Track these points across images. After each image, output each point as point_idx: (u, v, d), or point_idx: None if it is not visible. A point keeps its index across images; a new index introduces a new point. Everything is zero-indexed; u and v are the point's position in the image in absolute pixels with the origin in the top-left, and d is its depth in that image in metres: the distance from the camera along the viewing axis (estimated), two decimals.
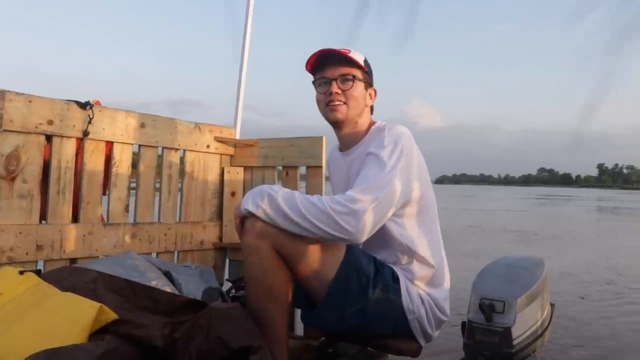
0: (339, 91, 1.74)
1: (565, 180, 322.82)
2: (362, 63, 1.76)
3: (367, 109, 1.83)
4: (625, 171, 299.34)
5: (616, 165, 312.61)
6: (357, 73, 1.75)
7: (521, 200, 33.56)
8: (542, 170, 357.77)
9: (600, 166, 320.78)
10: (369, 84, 1.81)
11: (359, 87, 1.76)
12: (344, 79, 1.74)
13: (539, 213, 19.26)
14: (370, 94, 1.83)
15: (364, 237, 1.52)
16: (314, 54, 1.75)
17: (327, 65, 1.75)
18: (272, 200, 1.52)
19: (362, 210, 1.48)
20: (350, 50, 1.75)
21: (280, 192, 1.54)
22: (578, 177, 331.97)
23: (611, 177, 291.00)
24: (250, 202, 1.55)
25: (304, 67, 1.82)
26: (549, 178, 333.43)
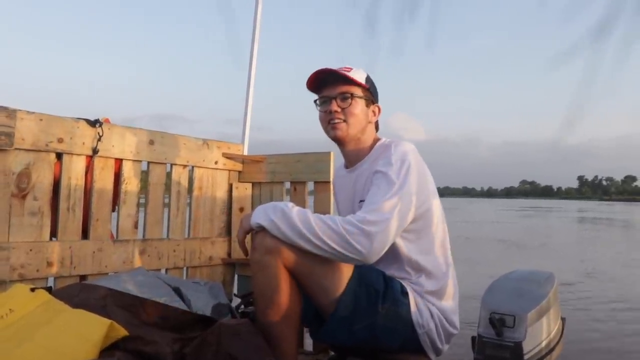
0: (339, 109, 1.76)
1: (547, 192, 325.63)
2: (361, 81, 1.77)
3: (370, 126, 1.84)
4: (604, 183, 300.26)
5: (596, 177, 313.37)
6: (357, 91, 1.77)
7: (506, 212, 34.40)
8: (524, 182, 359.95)
9: (580, 178, 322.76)
10: (371, 101, 1.82)
11: (359, 105, 1.77)
12: (343, 97, 1.76)
13: (527, 224, 20.16)
14: (373, 111, 1.84)
15: (375, 258, 1.52)
16: (314, 73, 1.77)
17: (327, 84, 1.78)
18: (285, 216, 1.52)
19: (375, 232, 1.49)
20: (351, 69, 1.77)
21: (294, 209, 1.54)
22: (559, 189, 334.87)
23: (591, 189, 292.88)
24: (263, 216, 1.55)
25: (305, 86, 1.82)
26: (530, 190, 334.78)
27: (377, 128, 1.88)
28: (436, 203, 1.75)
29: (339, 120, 1.76)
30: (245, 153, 2.94)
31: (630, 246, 11.88)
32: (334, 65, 1.78)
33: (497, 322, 1.57)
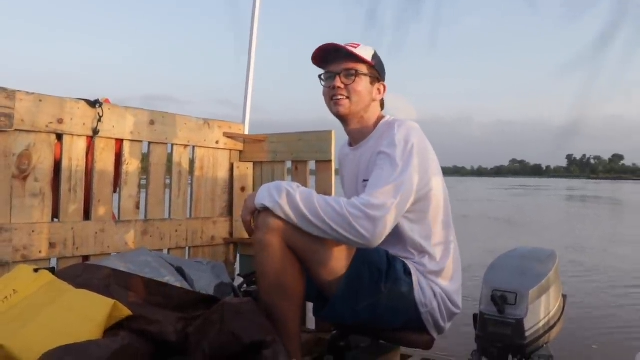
0: (342, 85, 1.74)
1: (536, 170, 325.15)
2: (368, 58, 1.75)
3: (375, 104, 1.82)
4: (592, 162, 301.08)
5: (584, 156, 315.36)
6: (362, 68, 1.75)
7: (497, 190, 35.28)
8: (513, 161, 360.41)
9: (569, 157, 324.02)
10: (376, 78, 1.80)
11: (362, 82, 1.75)
12: (348, 73, 1.74)
13: (518, 203, 21.06)
14: (378, 89, 1.82)
15: (378, 242, 1.52)
16: (319, 48, 1.75)
17: (332, 60, 1.76)
18: (290, 197, 1.51)
19: (379, 217, 1.48)
20: (358, 45, 1.75)
21: (298, 190, 1.53)
22: (548, 167, 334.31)
23: (579, 168, 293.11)
24: (267, 197, 1.54)
25: (310, 61, 1.81)
26: (520, 169, 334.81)
27: (382, 106, 1.86)
28: (439, 183, 1.74)
29: (341, 97, 1.75)
30: (247, 132, 2.93)
31: (617, 223, 13.18)
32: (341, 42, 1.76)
33: (499, 300, 1.58)
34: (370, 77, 1.77)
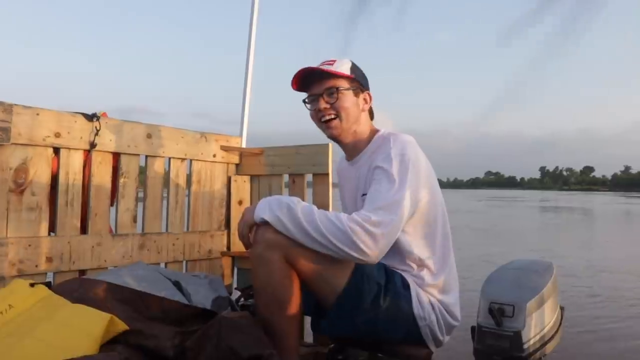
0: (327, 106, 1.74)
1: (511, 182, 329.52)
2: (346, 72, 1.75)
3: (364, 115, 1.82)
4: (564, 173, 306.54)
5: (557, 167, 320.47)
6: (342, 83, 1.75)
7: (476, 202, 36.04)
8: (489, 173, 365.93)
9: (542, 169, 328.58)
10: (359, 89, 1.80)
11: (347, 97, 1.75)
12: (330, 92, 1.74)
13: (499, 214, 21.83)
14: (364, 99, 1.82)
15: (379, 259, 1.53)
16: (296, 74, 1.75)
17: (312, 82, 1.76)
18: (291, 212, 1.51)
19: (380, 233, 1.48)
20: (334, 61, 1.75)
21: (299, 205, 1.53)
22: (522, 179, 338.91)
23: (552, 179, 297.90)
24: (268, 211, 1.54)
25: (290, 86, 1.80)
26: (495, 181, 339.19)
27: (372, 116, 1.86)
28: (436, 196, 1.74)
29: (330, 117, 1.75)
30: (244, 146, 2.93)
31: (593, 232, 14.05)
32: (316, 61, 1.76)
33: (497, 312, 1.58)
34: (352, 90, 1.77)
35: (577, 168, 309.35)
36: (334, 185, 2.44)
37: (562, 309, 1.82)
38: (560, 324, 1.77)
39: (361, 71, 1.83)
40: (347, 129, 1.78)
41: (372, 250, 1.48)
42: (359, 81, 1.80)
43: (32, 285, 1.62)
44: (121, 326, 1.52)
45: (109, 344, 1.49)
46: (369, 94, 1.84)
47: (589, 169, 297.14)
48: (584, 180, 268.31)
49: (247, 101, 3.00)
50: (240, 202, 2.82)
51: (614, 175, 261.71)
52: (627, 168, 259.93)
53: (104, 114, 2.26)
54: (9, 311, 1.50)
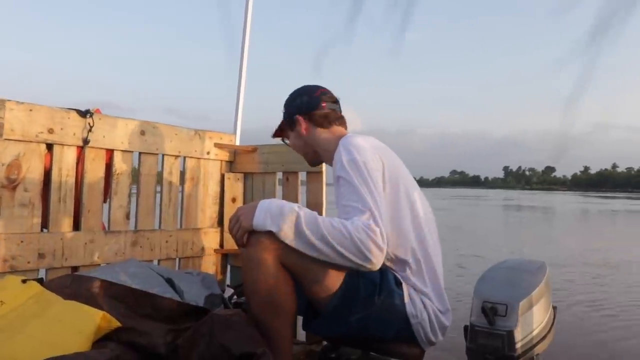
0: (293, 149, 1.96)
1: (475, 181, 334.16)
2: (282, 121, 1.91)
3: (315, 136, 1.83)
4: (527, 173, 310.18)
5: (519, 167, 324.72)
6: (284, 131, 1.94)
7: (442, 200, 36.40)
8: (454, 172, 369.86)
9: (505, 168, 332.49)
10: (291, 124, 1.87)
11: (290, 139, 1.92)
12: (284, 142, 2.00)
13: (467, 212, 22.25)
14: (300, 126, 1.84)
15: (379, 266, 1.52)
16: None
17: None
18: (295, 223, 1.49)
19: (381, 242, 1.48)
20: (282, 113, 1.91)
21: (301, 215, 1.50)
22: (486, 178, 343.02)
23: (515, 179, 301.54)
24: (269, 221, 1.51)
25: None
26: (460, 180, 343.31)
27: (330, 123, 1.84)
28: (409, 190, 1.71)
29: (302, 156, 1.95)
30: (238, 143, 2.93)
31: (552, 227, 14.90)
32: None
33: (489, 311, 1.58)
34: (289, 129, 1.89)
35: (539, 168, 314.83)
36: (327, 183, 2.45)
37: (554, 308, 1.82)
38: (553, 323, 1.78)
39: (290, 103, 1.89)
40: (311, 157, 1.92)
41: (377, 259, 1.48)
42: (287, 118, 1.90)
43: (24, 281, 1.61)
44: (113, 323, 1.51)
45: (101, 340, 1.49)
46: (297, 118, 1.84)
47: (550, 169, 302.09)
48: (545, 180, 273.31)
49: (241, 99, 3.00)
50: (233, 200, 2.82)
51: (574, 176, 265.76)
52: (587, 169, 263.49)
53: (98, 110, 2.26)
54: (1, 307, 1.49)
